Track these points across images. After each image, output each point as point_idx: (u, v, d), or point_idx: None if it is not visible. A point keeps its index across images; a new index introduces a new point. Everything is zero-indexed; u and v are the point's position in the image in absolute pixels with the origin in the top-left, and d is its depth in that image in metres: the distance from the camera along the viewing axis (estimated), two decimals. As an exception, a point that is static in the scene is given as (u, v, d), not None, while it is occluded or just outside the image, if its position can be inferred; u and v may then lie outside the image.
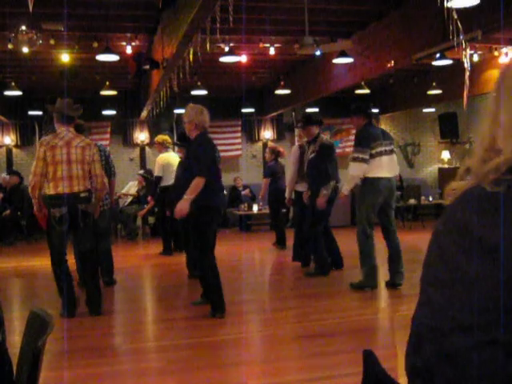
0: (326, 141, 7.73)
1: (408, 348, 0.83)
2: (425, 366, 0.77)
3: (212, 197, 5.29)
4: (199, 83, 11.57)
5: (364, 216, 6.32)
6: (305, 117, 7.80)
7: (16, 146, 14.07)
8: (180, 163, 7.40)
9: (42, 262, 7.80)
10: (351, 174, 6.38)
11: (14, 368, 1.73)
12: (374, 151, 6.30)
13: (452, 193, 0.83)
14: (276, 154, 9.94)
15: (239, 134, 14.95)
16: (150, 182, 12.15)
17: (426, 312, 0.80)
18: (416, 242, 10.75)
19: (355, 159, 6.27)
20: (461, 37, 6.10)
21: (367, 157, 6.23)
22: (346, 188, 6.61)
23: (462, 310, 0.72)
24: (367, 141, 6.31)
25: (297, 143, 8.29)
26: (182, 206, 5.12)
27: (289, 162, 8.24)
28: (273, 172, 9.80)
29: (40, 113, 13.27)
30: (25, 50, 8.19)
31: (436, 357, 0.75)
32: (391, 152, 6.54)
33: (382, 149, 6.41)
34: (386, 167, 6.40)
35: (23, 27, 7.44)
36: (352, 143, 15.75)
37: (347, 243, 11.07)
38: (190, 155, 5.37)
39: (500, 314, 0.69)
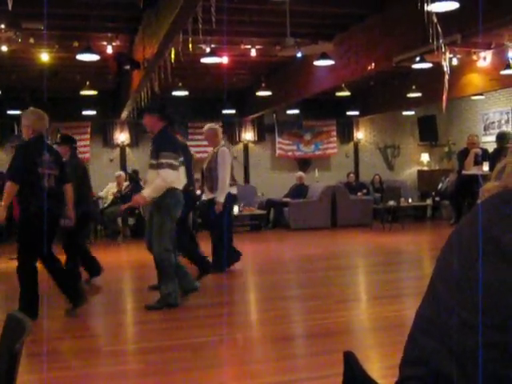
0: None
1: (407, 341, 0.83)
2: (422, 359, 0.77)
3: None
4: (180, 84, 11.55)
5: (168, 230, 5.64)
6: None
7: (-6, 145, 13.92)
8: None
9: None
10: (166, 182, 5.53)
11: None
12: (180, 160, 5.78)
13: (487, 194, 0.84)
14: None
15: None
16: (136, 181, 12.16)
17: (430, 306, 0.81)
18: (395, 243, 10.83)
19: (169, 166, 5.52)
20: (440, 40, 6.16)
21: (178, 164, 5.64)
22: (147, 195, 5.64)
23: (471, 309, 0.72)
24: (175, 146, 5.76)
25: (225, 146, 7.81)
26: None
27: (224, 165, 7.46)
28: None
29: (19, 112, 13.11)
30: (4, 48, 8.11)
31: (435, 351, 0.75)
32: (183, 163, 6.03)
33: (182, 158, 5.95)
34: (182, 178, 5.97)
35: (2, 25, 7.37)
36: (332, 145, 15.84)
37: (327, 244, 11.15)
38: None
39: (509, 319, 0.69)
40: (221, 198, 7.33)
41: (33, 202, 5.17)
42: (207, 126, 7.88)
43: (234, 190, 7.71)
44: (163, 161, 5.50)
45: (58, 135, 7.38)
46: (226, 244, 7.62)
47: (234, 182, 7.72)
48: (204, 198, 7.76)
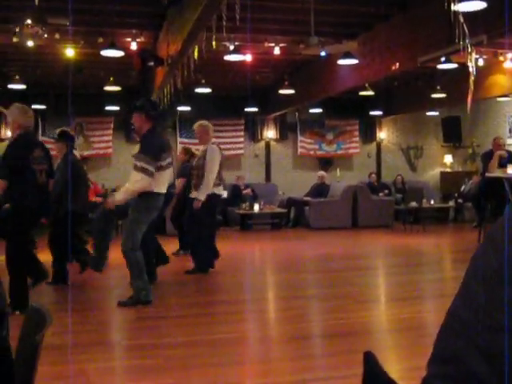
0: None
1: (436, 338, 0.82)
2: (451, 357, 0.76)
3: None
4: (203, 81, 11.58)
5: (136, 233, 5.61)
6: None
7: (19, 139, 14.08)
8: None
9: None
10: (138, 187, 5.54)
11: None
12: (164, 163, 5.70)
13: None
14: (190, 154, 9.01)
15: (242, 133, 14.95)
16: None
17: (463, 305, 0.79)
18: (416, 245, 10.75)
19: (142, 170, 5.47)
20: (467, 41, 6.09)
21: (153, 170, 5.51)
22: (117, 198, 5.74)
23: (505, 310, 0.71)
24: (156, 151, 5.62)
25: (215, 144, 7.57)
26: None
27: (212, 162, 7.24)
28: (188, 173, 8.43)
29: (44, 107, 13.28)
30: (29, 43, 8.19)
31: (465, 350, 0.74)
32: (171, 164, 5.94)
33: (169, 160, 5.83)
34: (166, 182, 5.89)
35: (28, 21, 7.43)
36: (355, 145, 15.76)
37: (347, 244, 11.10)
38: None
39: None
40: (201, 196, 7.11)
41: (28, 198, 5.21)
42: (198, 122, 7.70)
43: (219, 191, 7.42)
44: (137, 163, 5.50)
45: (58, 130, 7.28)
46: (208, 244, 7.55)
47: (220, 181, 7.40)
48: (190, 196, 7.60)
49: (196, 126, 7.62)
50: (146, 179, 5.45)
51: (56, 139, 7.06)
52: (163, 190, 5.76)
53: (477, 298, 0.75)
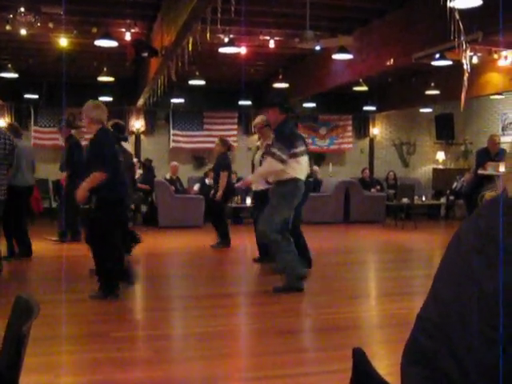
0: None
1: (408, 341, 0.82)
2: (423, 359, 0.76)
3: None
4: (197, 73, 11.53)
5: (273, 218, 5.87)
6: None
7: (10, 128, 13.99)
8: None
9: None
10: (266, 170, 6.10)
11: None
12: (298, 150, 5.96)
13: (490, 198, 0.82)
14: (228, 146, 9.77)
15: (235, 126, 14.92)
16: (149, 169, 12.30)
17: (432, 307, 0.79)
18: (407, 241, 10.78)
19: (273, 155, 5.82)
20: (462, 38, 6.09)
21: (284, 157, 5.78)
22: (251, 178, 6.66)
23: (468, 307, 0.71)
24: (289, 139, 5.91)
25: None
26: None
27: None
28: (228, 165, 9.58)
29: (36, 96, 13.19)
30: (23, 32, 8.13)
31: (436, 351, 0.74)
32: (305, 152, 6.17)
33: (302, 148, 6.09)
34: (303, 169, 6.08)
35: (22, 9, 7.38)
36: (348, 140, 15.73)
37: (339, 239, 11.12)
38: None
39: (505, 315, 0.68)
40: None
41: (118, 189, 5.51)
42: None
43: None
44: (269, 149, 5.94)
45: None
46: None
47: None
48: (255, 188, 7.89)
49: (257, 121, 7.72)
50: (274, 163, 5.81)
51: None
52: (300, 176, 5.99)
53: (444, 300, 0.76)
